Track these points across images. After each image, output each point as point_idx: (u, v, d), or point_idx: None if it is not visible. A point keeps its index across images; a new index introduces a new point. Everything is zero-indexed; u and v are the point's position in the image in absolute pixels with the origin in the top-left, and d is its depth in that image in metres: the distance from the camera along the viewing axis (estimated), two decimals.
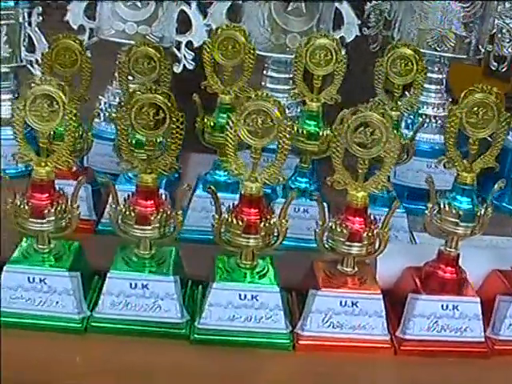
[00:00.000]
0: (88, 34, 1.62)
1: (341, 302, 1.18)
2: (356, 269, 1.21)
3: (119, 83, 1.43)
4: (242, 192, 1.17)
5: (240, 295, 1.17)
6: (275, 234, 1.19)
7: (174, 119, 1.12)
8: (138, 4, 1.55)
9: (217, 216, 1.18)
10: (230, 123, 1.14)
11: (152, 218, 1.16)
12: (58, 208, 1.17)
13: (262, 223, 1.16)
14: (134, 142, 1.33)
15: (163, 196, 1.20)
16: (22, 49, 1.63)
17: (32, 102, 1.13)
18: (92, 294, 1.25)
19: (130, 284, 1.18)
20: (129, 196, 1.19)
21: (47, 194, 1.17)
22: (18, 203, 1.17)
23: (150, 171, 1.16)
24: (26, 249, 1.21)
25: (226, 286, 1.17)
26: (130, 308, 1.18)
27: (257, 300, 1.18)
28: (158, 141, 1.20)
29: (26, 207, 1.16)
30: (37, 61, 1.62)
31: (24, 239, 1.24)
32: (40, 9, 1.59)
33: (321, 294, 1.18)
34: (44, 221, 1.17)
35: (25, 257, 1.20)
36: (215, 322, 1.17)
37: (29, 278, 1.17)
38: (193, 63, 1.62)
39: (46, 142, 1.16)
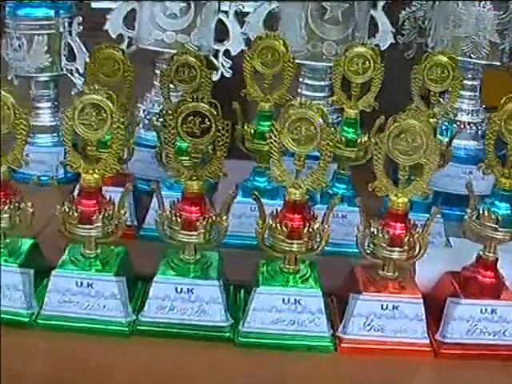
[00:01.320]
0: (127, 43, 1.66)
1: (382, 306, 1.21)
2: (396, 273, 1.24)
3: (161, 92, 1.46)
4: (286, 198, 1.21)
5: (283, 299, 1.21)
6: (317, 240, 1.23)
7: (219, 127, 1.17)
8: (177, 13, 1.59)
9: (261, 222, 1.22)
10: (274, 131, 1.18)
11: (198, 224, 1.20)
12: (106, 214, 1.21)
13: (306, 229, 1.20)
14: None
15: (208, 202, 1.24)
16: (62, 58, 1.67)
17: (81, 111, 1.17)
18: (137, 298, 1.28)
19: (176, 288, 1.21)
20: (174, 202, 1.23)
21: (95, 201, 1.21)
22: (67, 209, 1.21)
23: (195, 178, 1.21)
24: (73, 254, 1.26)
25: (269, 290, 1.21)
26: (175, 312, 1.22)
27: (300, 304, 1.21)
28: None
29: (75, 213, 1.20)
30: (77, 70, 1.67)
31: (71, 244, 1.29)
32: (80, 18, 1.64)
33: (362, 298, 1.21)
34: (92, 226, 1.21)
35: (72, 262, 1.24)
36: (259, 326, 1.21)
37: (77, 283, 1.22)
38: (230, 71, 1.66)
39: (94, 149, 1.20)
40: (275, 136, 1.18)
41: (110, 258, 1.25)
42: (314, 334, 1.21)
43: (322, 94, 1.68)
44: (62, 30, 1.65)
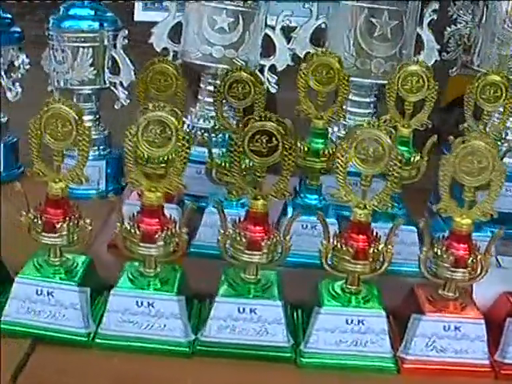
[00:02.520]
0: (172, 57, 1.64)
1: (444, 327, 1.20)
2: (457, 294, 1.24)
3: (214, 107, 1.45)
4: (351, 218, 1.19)
5: (347, 320, 1.20)
6: (381, 260, 1.22)
7: (286, 146, 1.16)
8: (226, 28, 1.58)
9: (326, 242, 1.20)
10: (342, 150, 1.17)
11: (263, 244, 1.18)
12: (168, 233, 1.19)
13: (371, 249, 1.19)
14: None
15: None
16: (106, 71, 1.66)
17: (144, 128, 1.17)
18: (194, 318, 1.27)
19: (238, 308, 1.20)
20: (237, 221, 1.22)
21: (157, 219, 1.19)
22: (128, 227, 1.19)
23: (261, 197, 1.20)
24: (131, 272, 1.23)
25: (333, 310, 1.19)
26: (236, 332, 1.20)
27: (363, 324, 1.20)
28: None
29: (137, 232, 1.19)
30: (121, 83, 1.65)
31: (128, 262, 1.27)
32: (126, 32, 1.62)
33: (426, 318, 1.20)
34: (154, 245, 1.19)
35: (131, 280, 1.22)
36: (322, 346, 1.19)
37: (137, 302, 1.20)
38: (276, 86, 1.65)
39: (156, 167, 1.19)
40: (342, 156, 1.17)
41: (169, 276, 1.23)
42: (377, 355, 1.20)
43: (367, 111, 1.68)
44: (106, 42, 1.63)
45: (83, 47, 1.61)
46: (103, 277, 1.32)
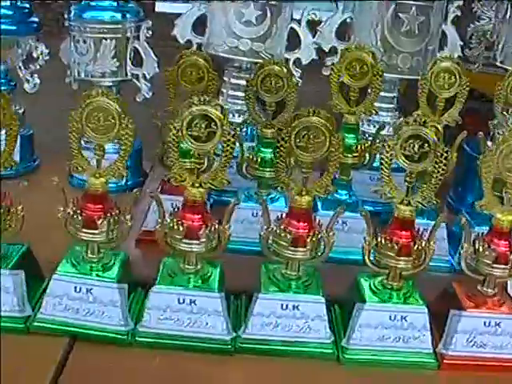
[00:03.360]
0: (195, 49, 1.61)
1: (485, 323, 1.20)
2: (496, 290, 1.24)
3: (246, 101, 1.42)
4: (395, 215, 1.18)
5: (390, 316, 1.19)
6: (423, 257, 1.21)
7: (333, 142, 1.15)
8: (253, 21, 1.56)
9: (368, 238, 1.19)
10: (387, 147, 1.16)
11: (308, 240, 1.18)
12: (212, 229, 1.17)
13: (416, 246, 1.18)
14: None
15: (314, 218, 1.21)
16: (128, 63, 1.62)
17: (189, 123, 1.14)
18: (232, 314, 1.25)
19: (282, 305, 1.18)
20: (280, 217, 1.21)
21: (200, 215, 1.18)
22: (171, 224, 1.17)
23: (305, 193, 1.18)
24: (170, 269, 1.21)
25: (376, 306, 1.19)
26: (279, 329, 1.18)
27: (405, 320, 1.19)
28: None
29: (181, 228, 1.16)
30: (144, 75, 1.62)
31: (166, 259, 1.24)
32: (150, 23, 1.58)
33: (466, 314, 1.20)
34: (197, 242, 1.17)
35: (171, 277, 1.20)
36: (365, 343, 1.19)
37: (178, 299, 1.18)
38: (300, 80, 1.63)
39: (200, 162, 1.16)
40: (387, 152, 1.16)
41: (210, 273, 1.21)
42: (419, 351, 1.20)
43: (390, 106, 1.67)
44: (128, 34, 1.59)
45: (106, 39, 1.57)
46: (134, 273, 1.30)
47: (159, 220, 1.18)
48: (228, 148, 1.15)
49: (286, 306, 1.18)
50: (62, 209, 1.18)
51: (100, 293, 1.17)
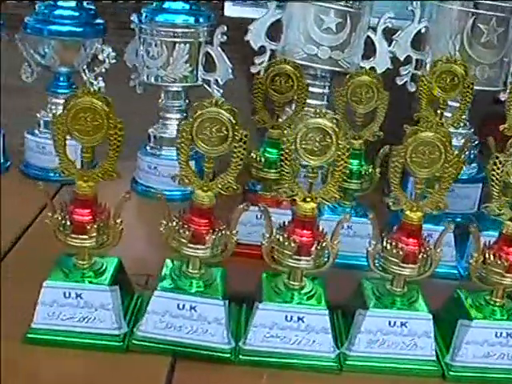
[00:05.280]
0: (268, 56, 1.58)
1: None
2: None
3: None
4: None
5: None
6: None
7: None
8: (333, 28, 1.52)
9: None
10: (498, 163, 1.12)
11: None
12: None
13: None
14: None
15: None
16: (200, 68, 1.57)
17: (304, 135, 1.10)
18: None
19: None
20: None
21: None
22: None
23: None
24: (276, 285, 1.16)
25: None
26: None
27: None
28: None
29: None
30: (216, 81, 1.58)
31: (267, 273, 1.19)
32: (225, 28, 1.53)
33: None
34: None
35: (276, 293, 1.15)
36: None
37: (286, 317, 1.13)
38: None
39: (314, 176, 1.11)
40: (498, 168, 1.12)
41: (316, 290, 1.17)
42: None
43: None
44: (201, 38, 1.54)
45: (179, 43, 1.52)
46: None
47: (266, 234, 1.14)
48: (342, 162, 1.11)
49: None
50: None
51: (204, 310, 1.12)
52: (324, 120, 1.09)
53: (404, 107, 1.66)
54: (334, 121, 1.09)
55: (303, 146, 1.09)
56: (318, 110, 1.09)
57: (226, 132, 1.07)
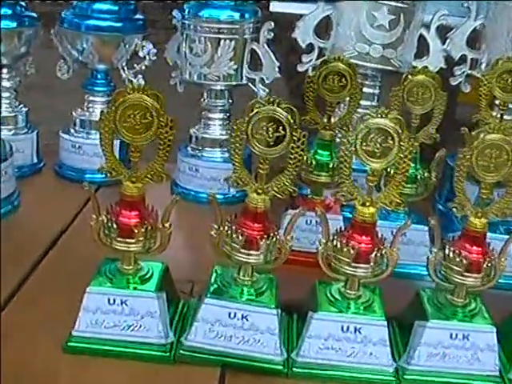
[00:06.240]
0: (316, 54, 1.54)
1: None
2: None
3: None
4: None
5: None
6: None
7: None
8: (386, 25, 1.48)
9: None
10: None
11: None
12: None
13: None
14: None
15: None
16: (245, 66, 1.54)
17: (365, 136, 1.06)
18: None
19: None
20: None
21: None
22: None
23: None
24: (330, 293, 1.13)
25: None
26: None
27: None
28: None
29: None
30: (262, 80, 1.54)
31: (321, 283, 1.16)
32: (272, 24, 1.50)
33: None
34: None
35: (332, 303, 1.11)
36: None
37: (342, 327, 1.09)
38: None
39: (374, 180, 1.07)
40: None
41: (373, 299, 1.13)
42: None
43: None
44: (247, 35, 1.51)
45: (224, 39, 1.49)
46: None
47: (323, 241, 1.10)
48: (404, 165, 1.07)
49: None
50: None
51: (256, 319, 1.09)
52: (386, 120, 1.05)
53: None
54: (398, 121, 1.07)
55: (364, 148, 1.06)
56: (379, 110, 1.07)
57: (283, 132, 1.04)
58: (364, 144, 1.06)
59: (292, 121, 1.04)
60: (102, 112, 1.06)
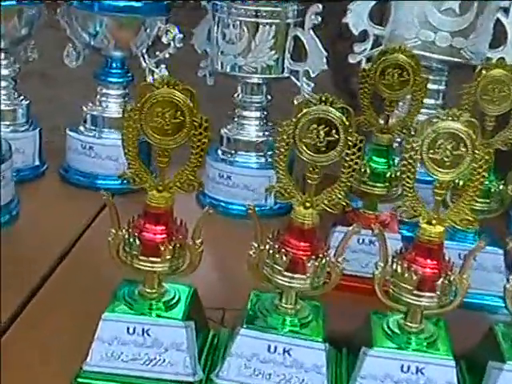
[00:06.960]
0: (372, 43, 1.59)
1: None
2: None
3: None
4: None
5: None
6: None
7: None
8: (457, 9, 1.51)
9: None
10: None
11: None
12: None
13: None
14: None
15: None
16: (287, 56, 1.58)
17: (432, 142, 1.09)
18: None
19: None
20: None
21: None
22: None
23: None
24: (387, 326, 1.16)
25: None
26: None
27: None
28: None
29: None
30: (307, 72, 1.58)
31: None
32: (320, 7, 1.53)
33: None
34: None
35: (390, 338, 1.14)
36: None
37: (402, 367, 1.11)
38: None
39: (441, 193, 1.10)
40: None
41: (438, 334, 1.15)
42: None
43: None
44: (290, 20, 1.55)
45: (264, 24, 1.53)
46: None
47: (381, 264, 1.13)
48: (478, 177, 1.10)
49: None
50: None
51: (300, 355, 1.12)
52: (458, 124, 1.08)
53: None
54: (472, 125, 1.10)
55: (431, 156, 1.09)
56: (450, 112, 1.10)
57: (336, 136, 1.07)
58: (431, 151, 1.08)
59: (347, 123, 1.07)
60: (125, 109, 1.09)
